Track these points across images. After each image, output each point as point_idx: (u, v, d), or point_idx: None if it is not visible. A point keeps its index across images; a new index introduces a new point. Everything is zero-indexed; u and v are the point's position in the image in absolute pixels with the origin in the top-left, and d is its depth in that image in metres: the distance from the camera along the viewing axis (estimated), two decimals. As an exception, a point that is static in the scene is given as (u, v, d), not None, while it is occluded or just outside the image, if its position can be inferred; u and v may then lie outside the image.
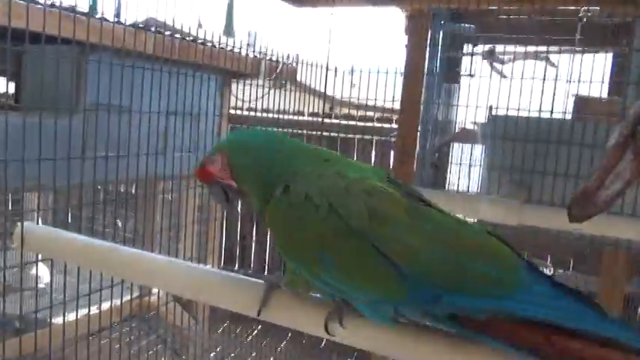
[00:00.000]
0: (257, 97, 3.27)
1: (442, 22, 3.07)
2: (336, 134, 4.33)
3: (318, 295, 1.14)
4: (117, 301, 2.93)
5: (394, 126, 4.16)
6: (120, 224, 3.16)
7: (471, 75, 2.73)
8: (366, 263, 0.94)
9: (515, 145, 2.36)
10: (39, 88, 2.26)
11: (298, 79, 3.91)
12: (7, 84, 2.17)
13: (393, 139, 3.98)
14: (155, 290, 3.12)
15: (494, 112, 2.49)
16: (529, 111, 2.38)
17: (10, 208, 3.37)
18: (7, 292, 2.65)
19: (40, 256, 2.64)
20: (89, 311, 2.67)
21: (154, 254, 1.46)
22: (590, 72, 2.57)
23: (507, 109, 2.47)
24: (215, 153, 1.19)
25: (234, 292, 1.24)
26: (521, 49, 3.06)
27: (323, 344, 3.56)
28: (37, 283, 2.42)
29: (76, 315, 2.44)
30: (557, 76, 2.48)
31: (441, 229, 0.95)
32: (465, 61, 3.44)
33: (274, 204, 1.05)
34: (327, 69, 3.63)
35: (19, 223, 1.68)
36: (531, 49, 2.94)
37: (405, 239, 0.93)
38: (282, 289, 1.16)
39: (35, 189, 2.12)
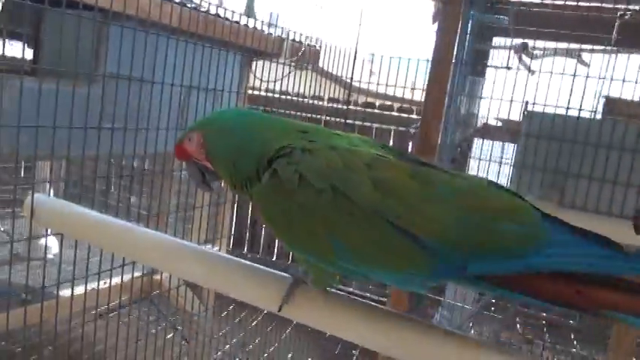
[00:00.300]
0: (281, 77, 3.15)
1: (474, 12, 2.93)
2: (355, 122, 4.21)
3: (343, 294, 1.07)
4: (126, 277, 2.85)
5: (414, 116, 4.07)
6: (132, 200, 3.06)
7: (508, 68, 2.58)
8: (385, 242, 0.86)
9: (550, 144, 2.22)
10: (57, 54, 2.14)
11: (320, 63, 3.79)
12: (24, 48, 2.06)
13: (412, 130, 3.88)
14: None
15: (529, 108, 2.34)
16: (567, 109, 2.23)
17: (22, 175, 3.28)
18: (14, 262, 2.56)
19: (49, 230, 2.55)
20: (98, 286, 2.58)
21: (170, 237, 1.35)
22: (625, 73, 2.43)
23: (544, 106, 2.33)
24: (194, 131, 1.12)
25: (255, 284, 1.15)
26: (553, 45, 2.92)
27: (328, 333, 3.47)
28: (45, 254, 2.33)
29: (85, 289, 2.36)
30: (602, 75, 2.34)
31: (453, 191, 0.88)
32: (493, 53, 3.31)
33: (264, 192, 0.95)
34: (355, 53, 3.49)
35: (29, 192, 1.60)
36: (564, 45, 2.80)
37: (419, 208, 0.86)
38: (307, 286, 1.07)
39: (48, 158, 2.02)
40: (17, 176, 2.88)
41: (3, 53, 1.99)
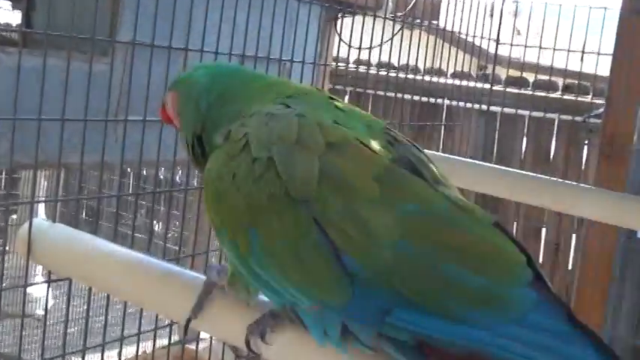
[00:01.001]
0: (382, 42, 3.22)
1: None
2: (497, 108, 4.24)
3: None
4: (147, 345, 2.97)
5: (595, 100, 4.02)
6: (157, 228, 3.22)
7: None
8: (301, 245, 0.98)
9: None
10: (58, 18, 2.32)
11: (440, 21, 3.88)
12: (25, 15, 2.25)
13: (591, 120, 3.85)
14: (204, 335, 3.14)
15: None
16: None
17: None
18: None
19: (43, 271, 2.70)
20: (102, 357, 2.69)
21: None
22: None
23: None
24: (170, 90, 1.34)
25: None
26: None
27: None
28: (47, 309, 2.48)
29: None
30: None
31: (423, 211, 0.99)
32: None
33: (212, 157, 1.14)
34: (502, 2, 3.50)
35: (13, 217, 1.68)
36: None
37: (359, 215, 0.96)
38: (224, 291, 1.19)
39: (54, 165, 2.18)
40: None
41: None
